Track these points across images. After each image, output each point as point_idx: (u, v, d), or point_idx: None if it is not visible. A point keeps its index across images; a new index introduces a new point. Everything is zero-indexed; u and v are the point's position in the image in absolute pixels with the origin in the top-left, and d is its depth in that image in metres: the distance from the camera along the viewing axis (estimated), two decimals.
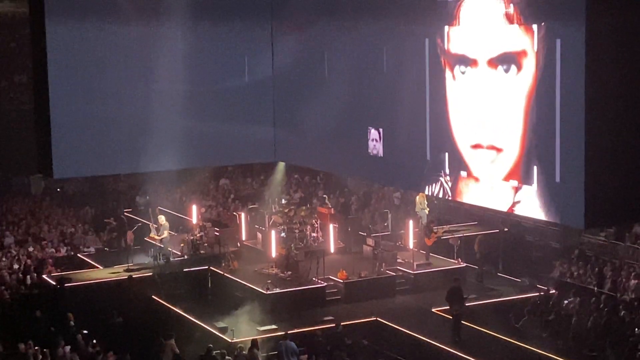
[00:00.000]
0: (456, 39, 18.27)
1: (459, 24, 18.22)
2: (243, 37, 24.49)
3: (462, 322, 20.54)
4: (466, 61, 17.95)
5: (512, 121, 17.12)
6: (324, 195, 29.19)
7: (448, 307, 20.83)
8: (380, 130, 21.02)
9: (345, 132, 22.41)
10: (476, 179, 18.15)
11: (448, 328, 20.91)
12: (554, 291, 22.89)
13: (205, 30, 24.10)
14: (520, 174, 16.98)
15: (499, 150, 17.40)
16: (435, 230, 24.89)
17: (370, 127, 21.29)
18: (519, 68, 16.85)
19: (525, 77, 16.76)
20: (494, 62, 17.37)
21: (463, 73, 18.02)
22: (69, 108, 23.01)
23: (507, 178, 17.25)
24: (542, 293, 22.39)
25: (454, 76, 18.23)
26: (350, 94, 22.12)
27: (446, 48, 18.49)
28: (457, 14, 18.27)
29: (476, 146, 17.85)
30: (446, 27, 18.47)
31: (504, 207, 17.88)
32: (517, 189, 17.28)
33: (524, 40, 16.63)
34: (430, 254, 24.86)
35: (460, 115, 18.30)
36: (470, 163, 18.04)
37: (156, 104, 24.05)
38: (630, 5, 15.44)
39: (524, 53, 16.70)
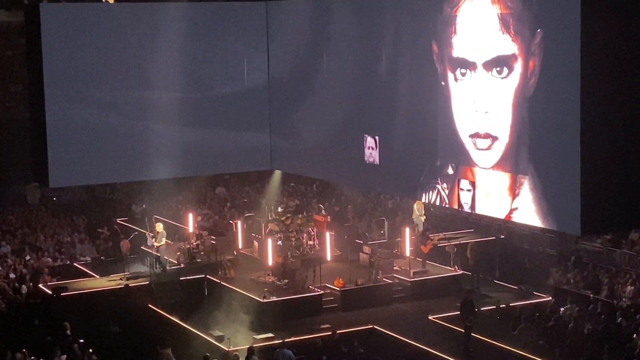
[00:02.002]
0: (456, 44, 18.34)
1: (455, 32, 18.29)
2: (239, 46, 24.54)
3: (472, 334, 20.39)
4: (466, 64, 18.06)
5: (505, 119, 17.24)
6: (320, 204, 29.20)
7: (460, 319, 20.60)
8: (377, 138, 21.05)
9: (341, 140, 22.44)
10: (472, 182, 18.17)
11: (444, 336, 20.91)
12: (550, 298, 22.90)
13: (200, 40, 24.15)
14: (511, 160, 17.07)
15: (494, 138, 17.53)
16: (431, 238, 24.88)
17: (366, 135, 21.32)
18: (511, 70, 16.95)
19: (516, 79, 16.85)
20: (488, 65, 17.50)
21: (463, 75, 18.11)
22: (64, 117, 23.03)
23: (499, 164, 17.34)
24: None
25: (455, 77, 18.30)
26: (346, 102, 22.16)
27: (446, 53, 18.55)
28: (454, 22, 18.34)
29: (474, 135, 17.98)
30: (445, 34, 18.54)
31: (501, 215, 17.90)
32: (514, 196, 17.31)
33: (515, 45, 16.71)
34: (427, 261, 24.83)
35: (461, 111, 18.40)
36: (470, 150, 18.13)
37: (152, 113, 24.08)
38: (625, 13, 15.49)
39: (514, 57, 16.79)
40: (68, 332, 20.37)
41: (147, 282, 24.21)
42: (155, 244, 25.04)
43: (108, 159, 23.83)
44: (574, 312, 21.19)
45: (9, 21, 34.92)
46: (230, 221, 29.01)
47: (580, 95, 15.36)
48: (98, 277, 25.32)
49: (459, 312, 20.81)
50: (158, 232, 25.15)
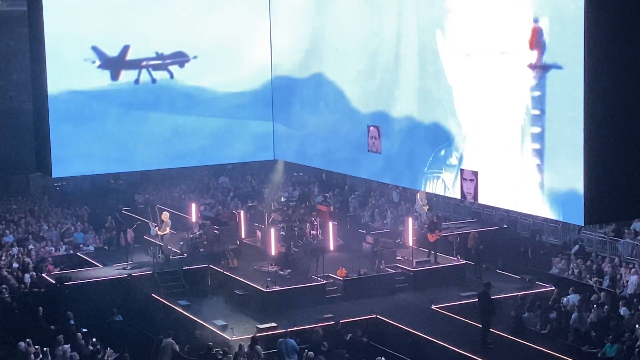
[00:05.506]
0: (460, 33, 18.32)
1: (460, 20, 18.26)
2: (241, 35, 24.53)
3: (477, 324, 20.23)
4: (470, 53, 18.08)
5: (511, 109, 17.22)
6: (326, 194, 29.22)
7: (479, 313, 20.09)
8: (379, 127, 21.04)
9: (344, 130, 22.43)
10: (475, 172, 18.18)
11: (447, 325, 20.90)
12: (553, 288, 22.89)
13: (203, 27, 24.15)
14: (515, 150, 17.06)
15: (498, 128, 17.55)
16: (439, 228, 24.72)
17: (370, 125, 21.30)
18: (515, 59, 16.93)
19: (520, 68, 16.83)
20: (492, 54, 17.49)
21: (467, 64, 18.12)
22: (67, 107, 23.05)
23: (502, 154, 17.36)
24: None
25: (459, 66, 18.29)
26: (349, 92, 22.14)
27: (450, 41, 18.54)
28: (458, 10, 18.31)
29: (479, 125, 17.99)
30: (449, 22, 18.52)
31: (504, 205, 17.90)
32: (518, 186, 17.30)
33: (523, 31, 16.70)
34: (431, 251, 24.61)
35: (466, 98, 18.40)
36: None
37: (155, 103, 24.11)
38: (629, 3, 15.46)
39: (519, 46, 16.78)
40: (71, 321, 20.42)
41: (150, 272, 24.23)
42: (159, 233, 25.07)
43: (111, 149, 23.87)
44: (576, 302, 21.19)
45: (11, 10, 34.92)
46: (234, 211, 29.02)
47: (585, 86, 15.34)
48: (101, 266, 25.35)
49: (478, 304, 20.35)
50: (163, 221, 25.17)
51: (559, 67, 16.01)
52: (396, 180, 22.96)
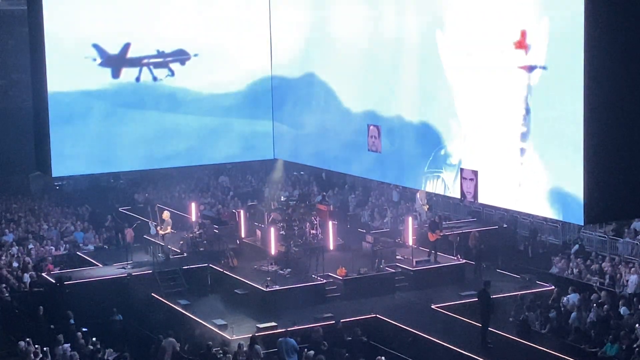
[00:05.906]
0: (460, 33, 18.32)
1: (460, 20, 18.25)
2: (241, 34, 24.53)
3: (477, 323, 20.19)
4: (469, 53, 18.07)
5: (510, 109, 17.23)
6: (324, 194, 29.19)
7: (479, 312, 20.03)
8: (379, 126, 21.04)
9: (344, 129, 22.42)
10: (475, 172, 18.18)
11: (447, 324, 20.90)
12: (553, 287, 22.90)
13: (202, 27, 24.16)
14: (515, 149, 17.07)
15: (498, 128, 17.56)
16: (440, 228, 24.69)
17: (369, 124, 21.30)
18: (515, 58, 16.94)
19: (520, 68, 16.84)
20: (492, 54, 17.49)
21: (467, 64, 18.11)
22: (67, 106, 23.05)
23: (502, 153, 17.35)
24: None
25: (459, 67, 18.28)
26: (349, 92, 22.13)
27: (450, 42, 18.54)
28: (459, 10, 18.30)
29: (478, 124, 17.98)
30: (450, 22, 18.51)
31: (504, 204, 17.90)
32: (518, 186, 17.30)
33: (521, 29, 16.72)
34: (431, 250, 24.60)
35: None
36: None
37: (154, 102, 24.12)
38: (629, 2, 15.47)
39: (519, 45, 16.79)
40: (71, 320, 20.44)
41: (150, 271, 24.24)
42: (161, 232, 25.08)
43: (110, 148, 23.87)
44: (576, 301, 21.20)
45: (11, 10, 34.95)
46: (233, 210, 29.02)
47: (585, 85, 15.35)
48: (101, 266, 25.36)
49: (477, 303, 20.32)
50: (164, 220, 25.18)
51: (558, 67, 16.02)
52: (396, 180, 22.96)
